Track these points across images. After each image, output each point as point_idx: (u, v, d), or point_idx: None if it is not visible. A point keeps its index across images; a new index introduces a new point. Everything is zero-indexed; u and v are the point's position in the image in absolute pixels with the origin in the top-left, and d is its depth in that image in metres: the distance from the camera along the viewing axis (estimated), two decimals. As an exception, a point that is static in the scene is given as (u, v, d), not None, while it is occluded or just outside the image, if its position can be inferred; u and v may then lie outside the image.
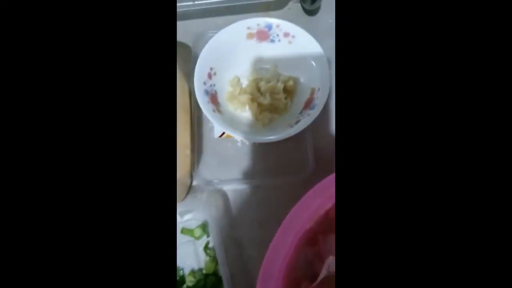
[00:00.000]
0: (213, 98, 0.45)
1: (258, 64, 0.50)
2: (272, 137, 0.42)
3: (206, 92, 0.44)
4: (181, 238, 0.43)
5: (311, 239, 0.37)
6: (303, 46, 0.46)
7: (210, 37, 0.46)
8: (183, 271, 0.43)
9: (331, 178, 0.34)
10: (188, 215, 0.44)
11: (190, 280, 0.41)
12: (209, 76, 0.46)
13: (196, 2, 0.51)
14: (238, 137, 0.42)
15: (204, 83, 0.45)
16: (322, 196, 0.34)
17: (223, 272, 0.38)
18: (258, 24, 0.46)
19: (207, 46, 0.45)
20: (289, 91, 0.48)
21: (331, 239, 0.38)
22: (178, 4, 0.50)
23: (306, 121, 0.42)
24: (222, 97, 0.47)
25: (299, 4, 0.54)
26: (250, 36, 0.47)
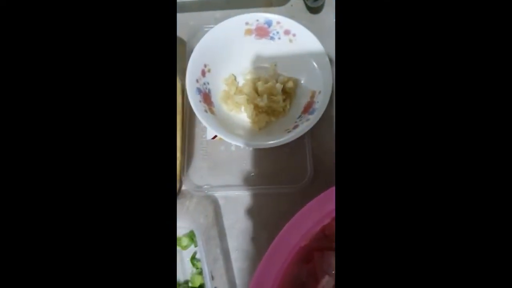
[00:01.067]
0: (206, 97, 0.42)
1: (256, 62, 0.46)
2: (268, 143, 0.39)
3: (199, 90, 0.41)
4: (166, 247, 0.40)
5: (306, 256, 0.34)
6: (305, 45, 0.43)
7: (206, 32, 0.43)
8: (166, 284, 0.40)
9: (329, 192, 0.31)
10: (175, 223, 0.41)
11: (173, 294, 0.38)
12: (203, 73, 0.42)
13: (193, -6, 0.48)
14: (231, 141, 0.39)
15: (197, 81, 0.41)
16: (318, 213, 0.31)
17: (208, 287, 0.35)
18: (257, 20, 0.43)
19: (201, 41, 0.42)
20: (288, 93, 0.44)
21: (328, 257, 0.35)
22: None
23: (304, 127, 0.39)
24: (216, 97, 0.44)
25: (302, 1, 0.51)
26: (248, 32, 0.44)
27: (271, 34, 0.44)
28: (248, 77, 0.46)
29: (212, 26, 0.44)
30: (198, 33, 0.47)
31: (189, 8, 0.51)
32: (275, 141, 0.39)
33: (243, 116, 0.45)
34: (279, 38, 0.44)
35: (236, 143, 0.39)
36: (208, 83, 0.43)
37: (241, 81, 0.46)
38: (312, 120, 0.39)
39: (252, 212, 0.43)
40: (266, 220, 0.42)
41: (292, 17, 0.44)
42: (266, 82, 0.44)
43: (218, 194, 0.43)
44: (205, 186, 0.43)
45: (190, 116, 0.45)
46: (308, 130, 0.40)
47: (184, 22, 0.49)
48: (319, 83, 0.42)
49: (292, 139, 0.39)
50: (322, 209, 0.31)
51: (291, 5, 0.52)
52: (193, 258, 0.40)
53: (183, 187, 0.43)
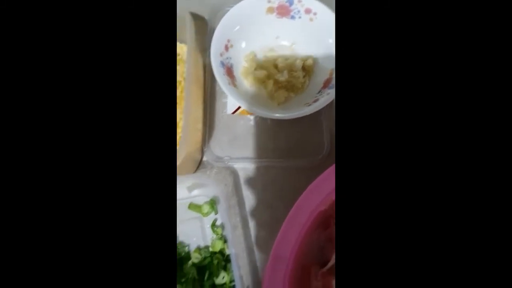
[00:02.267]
0: (229, 71, 0.44)
1: (277, 40, 0.48)
2: (287, 115, 0.41)
3: (222, 64, 0.43)
4: (188, 214, 0.42)
5: (324, 222, 0.36)
6: (325, 24, 0.44)
7: (227, 11, 0.44)
8: (188, 248, 0.42)
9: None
10: (196, 191, 0.43)
11: (195, 257, 0.40)
12: (226, 48, 0.44)
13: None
14: (252, 111, 0.40)
15: (221, 55, 0.43)
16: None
17: (231, 251, 0.37)
18: (279, -2, 0.45)
19: (226, 16, 0.43)
20: (308, 70, 0.46)
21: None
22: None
23: (325, 99, 0.40)
24: (238, 72, 0.46)
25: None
26: (270, 10, 0.45)
27: (292, 13, 0.46)
28: (269, 54, 0.47)
29: (232, 5, 0.45)
30: (219, 12, 0.48)
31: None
32: (296, 113, 0.40)
33: (263, 91, 0.46)
34: (299, 17, 0.46)
35: (257, 114, 0.41)
36: (230, 58, 0.45)
37: (261, 58, 0.48)
38: (332, 94, 0.40)
39: (269, 183, 0.44)
40: (282, 192, 0.44)
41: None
42: (286, 59, 0.46)
43: (237, 165, 0.45)
44: (225, 158, 0.44)
45: (211, 91, 0.47)
46: (326, 107, 0.41)
47: (206, 1, 0.51)
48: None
49: (312, 111, 0.40)
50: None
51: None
52: (213, 225, 0.42)
53: (205, 158, 0.45)
